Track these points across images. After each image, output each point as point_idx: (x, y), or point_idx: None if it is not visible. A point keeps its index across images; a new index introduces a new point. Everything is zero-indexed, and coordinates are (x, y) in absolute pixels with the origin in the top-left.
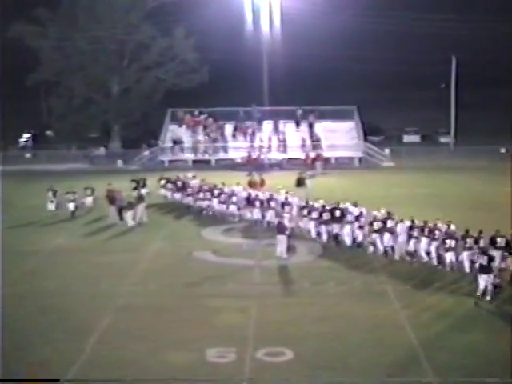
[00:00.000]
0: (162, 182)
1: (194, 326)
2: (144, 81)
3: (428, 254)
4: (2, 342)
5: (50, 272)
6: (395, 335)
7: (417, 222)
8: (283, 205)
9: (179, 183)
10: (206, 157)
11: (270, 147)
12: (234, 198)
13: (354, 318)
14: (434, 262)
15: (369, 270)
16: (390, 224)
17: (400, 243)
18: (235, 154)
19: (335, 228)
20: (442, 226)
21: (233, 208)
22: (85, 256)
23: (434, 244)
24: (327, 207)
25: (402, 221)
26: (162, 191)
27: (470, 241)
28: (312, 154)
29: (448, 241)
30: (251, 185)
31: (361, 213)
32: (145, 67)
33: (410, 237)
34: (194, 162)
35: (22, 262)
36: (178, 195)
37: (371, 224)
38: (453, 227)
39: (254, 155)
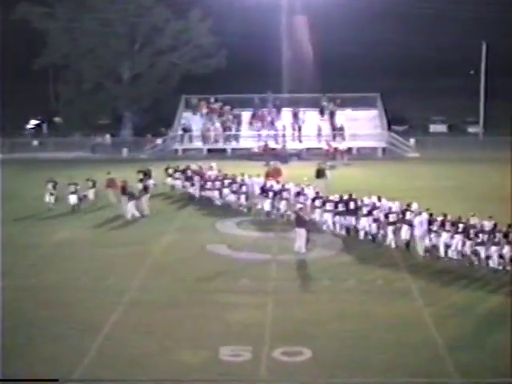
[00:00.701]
0: (170, 170)
1: (206, 323)
2: (157, 66)
3: (447, 248)
4: (3, 339)
5: (54, 265)
6: (419, 334)
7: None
8: (298, 195)
9: (189, 172)
10: (221, 146)
11: (289, 136)
12: (244, 188)
13: (376, 317)
14: (455, 256)
15: (391, 266)
16: (408, 216)
17: (419, 236)
18: (252, 143)
19: (350, 220)
20: (479, 222)
21: (243, 198)
22: (91, 249)
23: (457, 239)
24: (343, 198)
25: (420, 213)
26: (169, 180)
27: (499, 235)
28: (333, 144)
29: (481, 235)
30: (269, 175)
31: (374, 204)
32: (158, 51)
33: (429, 231)
34: (209, 151)
35: (25, 256)
36: (186, 185)
37: (386, 216)
38: (475, 220)
39: (272, 144)
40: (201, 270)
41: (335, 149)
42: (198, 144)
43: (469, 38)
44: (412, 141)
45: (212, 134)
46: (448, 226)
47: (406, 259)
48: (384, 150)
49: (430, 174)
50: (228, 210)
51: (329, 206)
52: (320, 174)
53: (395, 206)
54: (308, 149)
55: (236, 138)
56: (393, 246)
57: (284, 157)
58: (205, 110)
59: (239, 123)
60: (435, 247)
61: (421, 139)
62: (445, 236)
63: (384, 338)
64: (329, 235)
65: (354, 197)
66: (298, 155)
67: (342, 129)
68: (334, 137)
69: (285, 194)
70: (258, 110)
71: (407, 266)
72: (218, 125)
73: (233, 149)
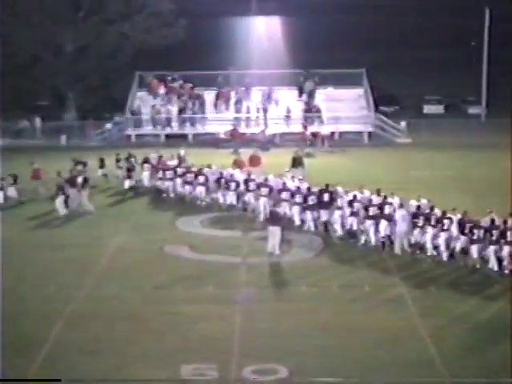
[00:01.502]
0: (121, 162)
1: (165, 338)
2: (105, 37)
3: (435, 247)
4: None
5: None
6: (413, 350)
7: (423, 207)
8: (259, 187)
9: (133, 161)
10: (182, 131)
11: (261, 119)
12: (202, 178)
13: (363, 330)
14: (444, 257)
15: (380, 270)
16: (388, 210)
17: (399, 233)
18: (217, 127)
19: (323, 215)
20: (454, 215)
21: (200, 190)
22: (31, 252)
23: (444, 235)
24: (313, 190)
25: (402, 206)
26: (119, 172)
27: (496, 233)
28: (311, 129)
29: (476, 231)
30: (237, 165)
31: (354, 196)
32: (106, 20)
33: (414, 226)
34: (168, 136)
35: None
36: (131, 175)
37: (366, 209)
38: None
39: (241, 129)
40: (158, 276)
41: (313, 134)
42: (155, 129)
43: (470, 4)
44: (403, 124)
45: (163, 116)
46: (433, 221)
47: (395, 261)
48: (370, 134)
49: (425, 163)
50: (191, 206)
51: (298, 199)
52: (296, 162)
53: (377, 199)
54: (282, 134)
55: (199, 121)
56: (372, 243)
57: (264, 143)
58: (162, 90)
59: (202, 104)
60: (417, 245)
61: (413, 122)
62: (430, 232)
63: (373, 355)
64: (307, 234)
65: (329, 188)
66: (271, 141)
67: (318, 110)
68: (312, 120)
69: (251, 186)
70: (224, 89)
71: (400, 269)
72: (170, 107)
73: (195, 134)
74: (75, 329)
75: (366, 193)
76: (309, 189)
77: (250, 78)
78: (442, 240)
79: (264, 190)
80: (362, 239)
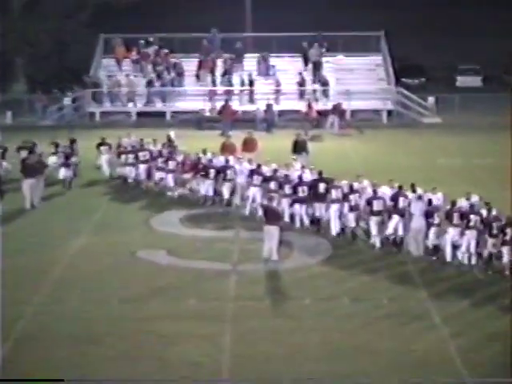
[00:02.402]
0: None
1: (137, 363)
2: None
3: (455, 247)
4: None
5: None
6: (443, 376)
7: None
8: (251, 174)
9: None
10: (158, 107)
11: (258, 93)
12: (172, 164)
13: (381, 353)
14: (466, 260)
15: (400, 279)
16: (401, 202)
17: (415, 231)
18: (201, 103)
19: (316, 209)
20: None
21: (170, 178)
22: None
23: (469, 235)
24: (306, 179)
25: (420, 198)
26: (54, 159)
27: (510, 231)
28: (317, 106)
29: (509, 230)
30: (227, 149)
31: (351, 187)
32: None
33: (429, 225)
34: (140, 115)
35: None
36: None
37: (369, 203)
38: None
39: (232, 105)
40: (129, 287)
41: (319, 112)
42: (124, 106)
43: None
44: (431, 100)
45: (134, 90)
46: (456, 219)
47: (415, 266)
48: (390, 113)
49: (457, 148)
50: (168, 200)
51: (287, 190)
52: (299, 147)
53: (387, 192)
54: (282, 112)
55: (178, 96)
56: (377, 245)
57: (268, 122)
58: (132, 57)
59: (181, 75)
60: (436, 248)
61: (443, 97)
62: (452, 233)
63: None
64: (312, 236)
65: (324, 176)
66: (269, 120)
67: (326, 83)
68: (319, 95)
69: (229, 174)
70: (209, 56)
71: (420, 276)
72: (143, 78)
73: (174, 112)
74: (23, 352)
75: (365, 183)
76: (300, 178)
77: (241, 42)
78: (465, 242)
79: (256, 179)
80: (371, 238)
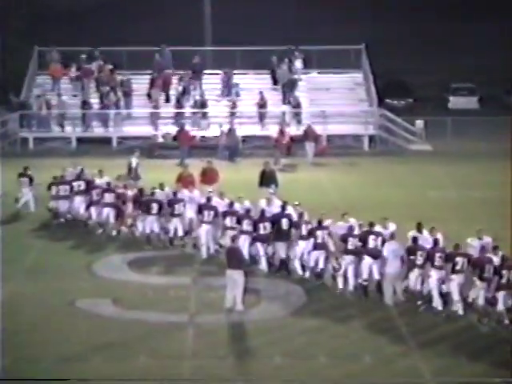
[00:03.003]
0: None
1: None
2: None
3: (442, 295)
4: None
5: None
6: None
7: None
8: (201, 209)
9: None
10: (102, 132)
11: (218, 115)
12: (108, 197)
13: None
14: (458, 309)
15: (382, 330)
16: (371, 242)
17: (389, 275)
18: (151, 128)
19: (280, 248)
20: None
21: (106, 213)
22: None
23: (456, 279)
24: (268, 213)
25: (393, 238)
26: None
27: (506, 273)
28: (289, 131)
29: (505, 272)
30: (183, 181)
31: (319, 223)
32: None
33: (410, 264)
34: (81, 141)
35: None
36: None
37: (344, 240)
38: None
39: (190, 130)
40: (67, 344)
41: (292, 138)
42: (62, 131)
43: None
44: (419, 123)
45: (74, 112)
46: (438, 260)
47: (397, 315)
48: (372, 138)
49: (450, 180)
50: (113, 241)
51: (246, 226)
52: (266, 178)
53: (356, 225)
54: (247, 137)
55: (126, 119)
56: (350, 287)
57: (230, 150)
58: (72, 73)
59: (128, 94)
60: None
61: (434, 121)
62: (435, 275)
63: None
64: (282, 281)
65: (288, 209)
66: (232, 148)
67: (298, 105)
68: (290, 119)
69: (178, 208)
70: (162, 73)
71: (405, 327)
72: (84, 98)
73: (121, 138)
74: None
75: (351, 221)
76: (262, 212)
77: (200, 57)
78: (454, 286)
79: (207, 215)
80: (340, 282)
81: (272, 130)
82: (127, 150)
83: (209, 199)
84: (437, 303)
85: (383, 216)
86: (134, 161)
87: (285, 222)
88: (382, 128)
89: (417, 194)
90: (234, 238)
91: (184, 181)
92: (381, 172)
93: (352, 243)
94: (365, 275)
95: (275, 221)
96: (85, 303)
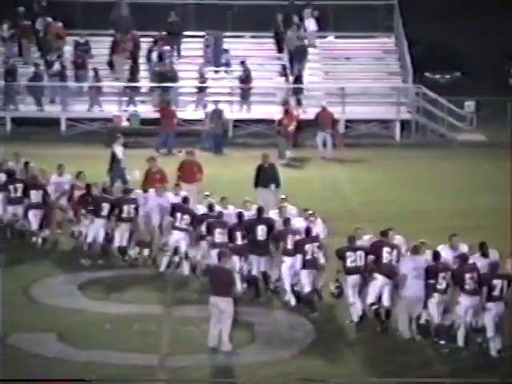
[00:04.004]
0: None
1: None
2: None
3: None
4: None
5: None
6: None
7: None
8: (174, 211)
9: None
10: (46, 112)
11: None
12: (35, 196)
13: None
14: (490, 350)
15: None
16: (385, 256)
17: (407, 301)
18: (114, 107)
19: (261, 264)
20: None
21: (32, 218)
22: None
23: (494, 310)
24: (246, 217)
25: (415, 251)
26: None
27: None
28: (297, 113)
29: None
30: (150, 178)
31: (307, 231)
32: None
33: (429, 289)
34: (17, 123)
35: None
36: None
37: (342, 257)
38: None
39: (167, 109)
40: None
41: (300, 124)
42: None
43: None
44: (469, 106)
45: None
46: (469, 282)
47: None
48: (406, 125)
49: (509, 181)
50: (60, 257)
51: (218, 235)
52: (264, 176)
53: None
54: (239, 122)
55: (79, 94)
56: (354, 319)
57: (216, 138)
58: (4, 32)
59: (83, 64)
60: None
61: (490, 102)
62: (464, 301)
63: None
64: (284, 311)
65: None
66: (219, 135)
67: (298, 79)
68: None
69: (133, 210)
70: (127, 33)
71: (444, 368)
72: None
73: (71, 120)
74: None
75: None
76: (239, 216)
77: (179, 14)
78: (489, 318)
79: (180, 219)
80: (355, 314)
81: (268, 111)
82: (80, 135)
83: (185, 200)
84: (460, 339)
85: (420, 227)
86: (120, 150)
87: (260, 231)
88: (419, 111)
89: (464, 199)
90: (221, 255)
91: (151, 178)
92: (417, 170)
93: (351, 259)
94: (371, 299)
95: (248, 228)
96: (20, 339)
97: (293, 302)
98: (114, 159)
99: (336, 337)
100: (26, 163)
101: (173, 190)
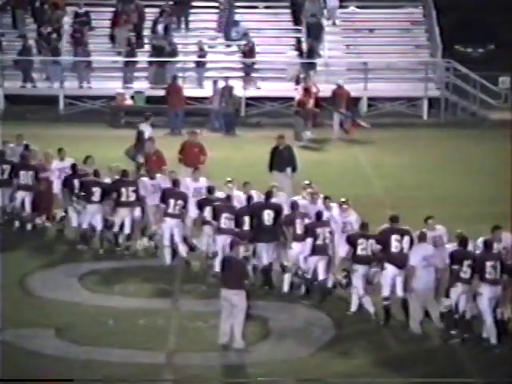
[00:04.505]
0: None
1: None
2: None
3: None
4: None
5: None
6: None
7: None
8: (165, 197)
9: None
10: (43, 89)
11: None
12: (24, 177)
13: None
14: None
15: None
16: (394, 244)
17: (419, 291)
18: (116, 83)
19: (269, 251)
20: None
21: (20, 200)
22: None
23: None
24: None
25: (422, 238)
26: None
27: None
28: (316, 90)
29: None
30: (149, 161)
31: (317, 215)
32: None
33: (452, 276)
34: (10, 100)
35: None
36: None
37: (353, 244)
38: None
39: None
40: None
41: (318, 101)
42: None
43: None
44: (504, 81)
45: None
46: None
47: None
48: (434, 103)
49: None
50: (57, 245)
51: (224, 221)
52: (280, 160)
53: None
54: (253, 99)
55: (79, 68)
56: (371, 311)
57: (227, 117)
58: None
59: (81, 36)
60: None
61: None
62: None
63: None
64: (301, 305)
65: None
66: (228, 116)
67: (310, 53)
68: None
69: (126, 191)
70: (130, 4)
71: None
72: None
73: (70, 97)
74: None
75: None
76: (248, 199)
77: None
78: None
79: (173, 204)
80: (353, 305)
81: (283, 88)
82: (80, 115)
83: (175, 183)
84: (489, 333)
85: (450, 214)
86: (148, 131)
87: (267, 215)
88: (448, 88)
89: (497, 184)
90: (233, 244)
91: (149, 160)
92: (446, 151)
93: (361, 247)
94: (386, 292)
95: (254, 214)
96: (16, 336)
97: (302, 290)
98: (139, 139)
99: (357, 333)
100: (27, 146)
101: (168, 176)
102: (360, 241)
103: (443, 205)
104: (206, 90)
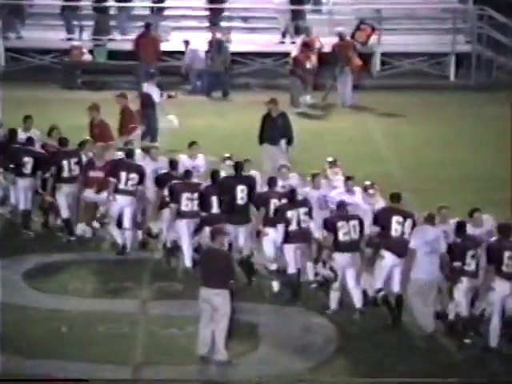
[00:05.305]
0: None
1: None
2: None
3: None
4: None
5: None
6: None
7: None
8: (116, 169)
9: None
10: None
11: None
12: None
13: None
14: None
15: None
16: (395, 227)
17: (421, 282)
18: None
19: (240, 235)
20: None
21: None
22: None
23: None
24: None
25: (430, 220)
26: None
27: None
28: (319, 45)
29: None
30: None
31: (291, 192)
32: None
33: (455, 273)
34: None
35: None
36: None
37: (330, 229)
38: None
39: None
40: None
41: (320, 58)
42: None
43: None
44: None
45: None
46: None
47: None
48: (463, 60)
49: None
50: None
51: (185, 201)
52: (271, 129)
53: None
54: (240, 55)
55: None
56: (332, 306)
57: (214, 77)
58: None
59: None
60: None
61: None
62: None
63: None
64: (297, 308)
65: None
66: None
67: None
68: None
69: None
70: None
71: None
72: None
73: (16, 51)
74: None
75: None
76: (213, 177)
77: None
78: None
79: (131, 179)
80: (333, 300)
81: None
82: (26, 72)
83: (129, 154)
84: (492, 333)
85: (481, 199)
86: (155, 92)
87: (240, 192)
88: (481, 41)
89: None
90: (215, 233)
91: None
92: (477, 121)
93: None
94: (379, 284)
95: (224, 191)
96: None
97: (275, 287)
98: (144, 105)
99: (367, 343)
100: None
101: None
102: (340, 224)
103: (472, 187)
104: (172, 43)
